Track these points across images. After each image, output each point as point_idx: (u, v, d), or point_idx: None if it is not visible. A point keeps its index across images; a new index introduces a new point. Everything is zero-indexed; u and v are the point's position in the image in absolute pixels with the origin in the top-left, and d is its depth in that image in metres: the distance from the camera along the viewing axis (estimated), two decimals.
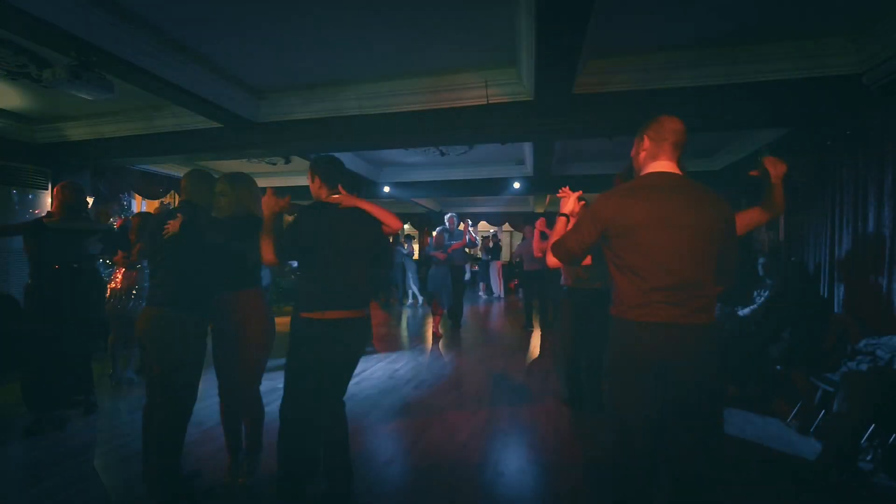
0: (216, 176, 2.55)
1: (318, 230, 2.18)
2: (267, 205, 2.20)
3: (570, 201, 2.15)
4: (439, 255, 6.62)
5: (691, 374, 1.59)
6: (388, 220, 2.28)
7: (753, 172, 1.86)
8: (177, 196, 8.10)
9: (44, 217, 3.25)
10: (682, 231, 1.60)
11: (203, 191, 2.48)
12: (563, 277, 3.69)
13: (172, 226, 2.23)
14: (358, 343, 2.26)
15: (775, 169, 1.77)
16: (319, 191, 2.31)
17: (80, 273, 3.32)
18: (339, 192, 2.29)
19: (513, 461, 2.84)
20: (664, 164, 1.71)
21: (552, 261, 1.95)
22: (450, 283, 6.64)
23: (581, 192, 2.17)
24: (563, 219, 2.09)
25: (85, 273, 3.39)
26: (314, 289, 2.18)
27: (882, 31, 3.09)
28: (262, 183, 10.12)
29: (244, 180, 2.49)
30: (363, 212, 2.26)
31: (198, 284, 2.34)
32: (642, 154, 1.77)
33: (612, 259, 1.73)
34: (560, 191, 2.21)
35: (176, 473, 2.25)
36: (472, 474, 2.65)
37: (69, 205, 3.24)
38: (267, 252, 2.20)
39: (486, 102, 4.16)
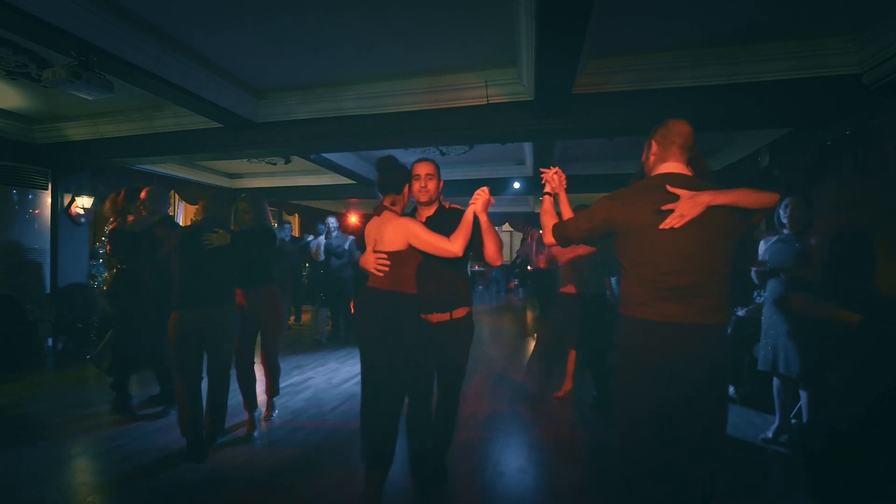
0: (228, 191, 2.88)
1: None
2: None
3: (552, 181, 2.14)
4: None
5: (697, 375, 1.58)
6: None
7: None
8: (177, 196, 8.11)
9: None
10: (690, 230, 1.59)
11: (227, 209, 2.96)
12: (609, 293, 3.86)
13: (218, 238, 2.70)
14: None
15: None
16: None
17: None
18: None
19: (513, 461, 2.84)
20: (672, 166, 1.73)
21: (548, 239, 1.99)
22: None
23: (558, 167, 2.15)
24: (548, 198, 2.13)
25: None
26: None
27: (881, 31, 3.09)
28: (261, 183, 10.02)
29: (261, 199, 3.15)
30: None
31: (233, 283, 2.95)
32: (651, 158, 1.81)
33: (621, 258, 1.76)
34: (542, 175, 2.17)
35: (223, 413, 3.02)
36: (472, 474, 2.66)
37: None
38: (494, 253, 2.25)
39: (486, 102, 4.16)
